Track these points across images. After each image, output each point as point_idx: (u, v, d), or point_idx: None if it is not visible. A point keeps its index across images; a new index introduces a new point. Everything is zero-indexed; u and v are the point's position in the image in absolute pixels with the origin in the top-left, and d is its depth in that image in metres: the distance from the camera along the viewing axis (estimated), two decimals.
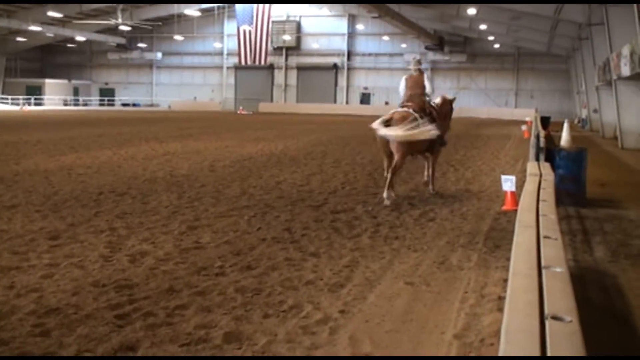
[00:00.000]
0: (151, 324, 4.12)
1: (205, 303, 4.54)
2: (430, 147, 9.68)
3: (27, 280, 4.96)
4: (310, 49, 62.52)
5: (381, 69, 60.79)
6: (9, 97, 57.60)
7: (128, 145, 17.40)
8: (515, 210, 5.71)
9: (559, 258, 2.88)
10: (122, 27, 57.63)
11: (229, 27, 62.07)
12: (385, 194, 8.94)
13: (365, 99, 61.57)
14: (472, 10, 39.32)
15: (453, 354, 3.84)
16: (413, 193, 10.05)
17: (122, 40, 63.95)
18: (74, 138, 19.73)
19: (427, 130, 8.78)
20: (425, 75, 9.85)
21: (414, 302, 4.73)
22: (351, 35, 61.43)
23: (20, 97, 56.56)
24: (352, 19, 60.90)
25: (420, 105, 9.40)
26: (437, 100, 10.38)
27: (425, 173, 10.16)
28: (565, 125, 10.96)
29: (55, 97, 61.35)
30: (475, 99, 56.34)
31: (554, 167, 8.31)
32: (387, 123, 8.91)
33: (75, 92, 65.74)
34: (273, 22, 58.15)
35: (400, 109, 9.32)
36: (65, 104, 61.74)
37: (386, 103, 55.95)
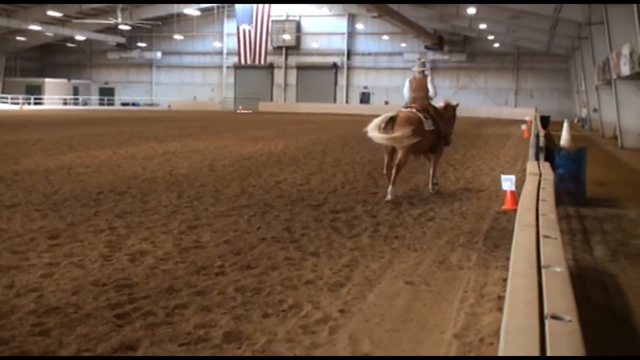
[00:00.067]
0: (151, 323, 4.12)
1: (205, 302, 4.54)
2: (433, 147, 9.82)
3: (27, 280, 4.96)
4: (309, 48, 62.53)
5: (381, 69, 60.82)
6: (9, 96, 57.59)
7: (128, 145, 17.39)
8: (515, 210, 5.71)
9: (558, 257, 2.88)
10: (122, 27, 57.63)
11: (229, 26, 62.10)
12: (390, 189, 9.09)
13: (364, 98, 61.59)
14: (471, 10, 39.33)
15: (453, 353, 3.83)
16: (413, 192, 10.06)
17: (122, 40, 63.95)
18: (74, 137, 19.73)
19: (408, 137, 8.83)
20: (428, 78, 9.96)
21: (413, 302, 4.73)
22: (351, 34, 61.45)
23: (20, 96, 56.55)
24: (352, 19, 60.92)
25: (423, 107, 9.63)
26: (440, 103, 10.59)
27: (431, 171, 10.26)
28: (565, 125, 10.97)
29: (54, 97, 61.35)
30: (475, 98, 56.34)
31: (553, 167, 8.31)
32: (392, 120, 9.04)
33: (75, 91, 65.74)
34: (273, 21, 58.18)
35: (405, 109, 9.54)
36: (65, 104, 61.74)
37: (386, 102, 55.99)
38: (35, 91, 60.33)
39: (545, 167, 7.34)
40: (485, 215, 8.28)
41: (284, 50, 63.03)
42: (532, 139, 11.34)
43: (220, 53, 65.56)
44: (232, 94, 65.08)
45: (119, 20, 55.25)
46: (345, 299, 4.73)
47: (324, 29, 61.83)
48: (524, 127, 27.18)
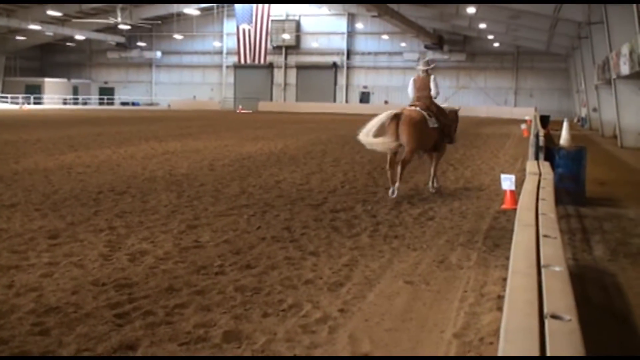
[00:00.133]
0: (151, 322, 4.12)
1: (204, 302, 4.53)
2: (437, 145, 9.96)
3: (27, 279, 4.96)
4: (309, 48, 62.54)
5: (380, 68, 60.84)
6: (9, 95, 57.61)
7: (127, 144, 17.39)
8: (515, 209, 5.71)
9: (558, 257, 2.88)
10: (122, 26, 57.63)
11: (229, 26, 62.11)
12: (396, 185, 9.23)
13: (364, 97, 61.61)
14: (471, 9, 39.33)
15: (452, 353, 3.83)
16: (412, 192, 10.06)
17: (122, 39, 63.96)
18: (74, 137, 19.72)
19: (391, 142, 9.12)
20: (432, 77, 9.98)
21: (413, 301, 4.73)
22: (350, 34, 61.46)
23: (20, 95, 56.55)
24: (352, 18, 60.93)
25: (427, 105, 9.79)
26: (445, 104, 10.77)
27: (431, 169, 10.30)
28: (565, 124, 10.98)
29: (54, 96, 61.35)
30: (475, 97, 56.38)
31: (553, 166, 8.32)
32: (396, 117, 9.20)
33: (75, 91, 65.75)
34: (272, 21, 58.20)
35: (409, 107, 9.71)
36: (65, 103, 61.73)
37: (385, 102, 55.99)
38: (35, 91, 60.34)
39: (545, 166, 7.34)
40: (485, 215, 8.28)
41: (283, 49, 63.04)
42: (532, 138, 11.34)
43: (220, 53, 65.57)
44: (232, 93, 65.09)
45: (119, 19, 55.26)
46: (345, 298, 4.73)
47: (324, 28, 61.84)
48: (523, 126, 27.19)
